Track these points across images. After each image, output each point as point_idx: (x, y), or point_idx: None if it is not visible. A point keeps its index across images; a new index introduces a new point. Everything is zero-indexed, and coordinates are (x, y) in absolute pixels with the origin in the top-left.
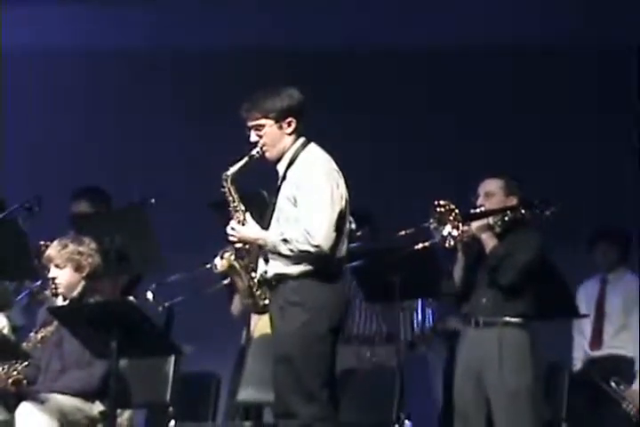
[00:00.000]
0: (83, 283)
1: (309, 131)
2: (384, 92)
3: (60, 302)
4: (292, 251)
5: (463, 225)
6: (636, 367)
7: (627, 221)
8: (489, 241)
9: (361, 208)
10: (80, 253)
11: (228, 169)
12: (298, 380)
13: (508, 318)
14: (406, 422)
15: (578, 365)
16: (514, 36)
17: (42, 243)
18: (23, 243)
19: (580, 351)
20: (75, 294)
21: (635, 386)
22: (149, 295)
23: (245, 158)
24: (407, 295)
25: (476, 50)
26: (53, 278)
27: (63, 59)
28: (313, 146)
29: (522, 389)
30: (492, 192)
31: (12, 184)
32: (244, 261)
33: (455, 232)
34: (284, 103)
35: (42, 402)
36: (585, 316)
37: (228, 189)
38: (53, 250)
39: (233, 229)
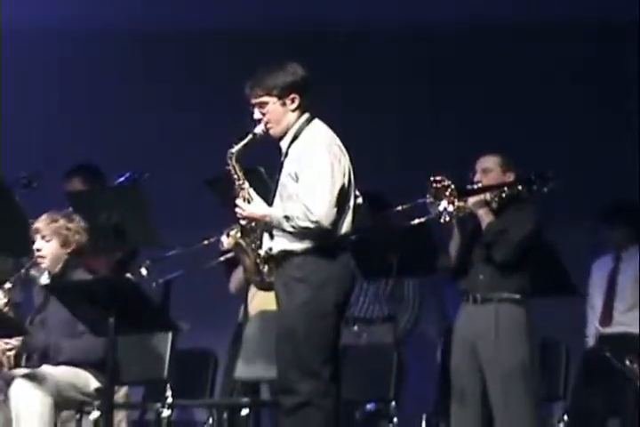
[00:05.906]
0: (66, 258)
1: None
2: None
3: (44, 278)
4: (294, 228)
5: (459, 201)
6: None
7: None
8: (485, 217)
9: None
10: (68, 229)
11: (229, 145)
12: (299, 356)
13: (505, 294)
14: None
15: (590, 342)
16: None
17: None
18: (24, 219)
19: (592, 328)
20: (57, 268)
21: None
22: (144, 272)
23: (249, 136)
24: (404, 273)
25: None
26: (38, 250)
27: (49, 36)
28: (317, 122)
29: (517, 364)
30: (489, 168)
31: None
32: (250, 239)
33: (451, 208)
34: (286, 80)
35: (37, 378)
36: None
37: (233, 166)
38: (42, 223)
39: (240, 206)
